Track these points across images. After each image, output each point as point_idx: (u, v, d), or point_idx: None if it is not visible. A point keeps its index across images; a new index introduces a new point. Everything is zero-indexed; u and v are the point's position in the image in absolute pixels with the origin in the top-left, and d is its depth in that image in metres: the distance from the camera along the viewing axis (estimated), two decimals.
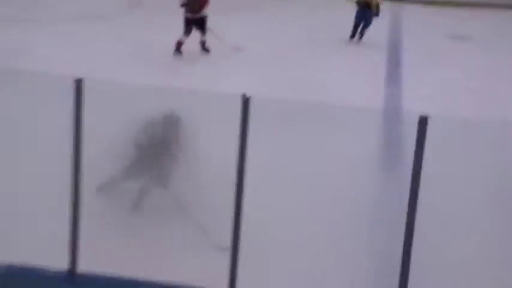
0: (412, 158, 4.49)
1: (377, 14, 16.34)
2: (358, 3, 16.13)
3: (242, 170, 4.67)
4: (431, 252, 6.22)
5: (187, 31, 14.00)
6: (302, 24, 17.07)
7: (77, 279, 4.87)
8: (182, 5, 13.94)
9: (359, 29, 16.23)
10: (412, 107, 10.24)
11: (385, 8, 16.49)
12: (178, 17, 14.02)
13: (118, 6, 15.88)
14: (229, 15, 15.69)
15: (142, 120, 7.37)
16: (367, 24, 16.22)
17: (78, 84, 4.70)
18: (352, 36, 16.40)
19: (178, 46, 14.06)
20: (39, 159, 7.65)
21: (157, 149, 7.46)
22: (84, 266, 4.88)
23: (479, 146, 8.65)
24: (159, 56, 13.93)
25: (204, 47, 14.29)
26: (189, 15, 13.95)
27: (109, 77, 9.25)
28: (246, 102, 4.65)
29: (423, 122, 4.47)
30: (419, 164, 4.51)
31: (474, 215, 7.20)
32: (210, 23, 14.06)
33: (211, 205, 6.81)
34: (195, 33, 14.04)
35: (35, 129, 8.19)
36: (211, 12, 14.03)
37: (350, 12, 16.17)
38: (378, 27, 16.78)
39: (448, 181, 7.49)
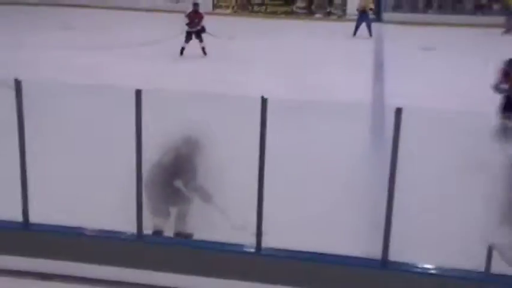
0: (392, 140, 4.47)
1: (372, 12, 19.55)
2: (357, 10, 18.98)
3: (263, 159, 4.65)
4: (407, 206, 6.11)
5: (187, 40, 15.19)
6: (304, 42, 17.27)
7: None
8: (187, 24, 15.19)
9: (366, 30, 18.56)
10: (393, 101, 10.12)
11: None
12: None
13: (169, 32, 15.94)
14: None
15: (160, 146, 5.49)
16: (369, 24, 18.69)
17: (138, 94, 4.69)
18: (354, 34, 18.72)
19: (182, 51, 15.19)
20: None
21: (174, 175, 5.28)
22: None
23: (445, 130, 8.56)
24: (199, 68, 14.06)
25: (204, 51, 15.29)
26: (190, 29, 15.18)
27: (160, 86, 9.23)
28: (264, 102, 4.62)
29: (398, 112, 4.44)
30: (397, 144, 4.48)
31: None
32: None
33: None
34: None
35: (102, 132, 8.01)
36: None
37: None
38: (365, 42, 16.80)
39: (419, 157, 7.37)
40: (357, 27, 18.80)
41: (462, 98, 11.02)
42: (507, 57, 8.83)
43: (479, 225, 4.81)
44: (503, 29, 19.36)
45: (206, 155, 5.24)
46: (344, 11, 23.10)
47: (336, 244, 5.06)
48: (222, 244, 4.85)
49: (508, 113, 9.12)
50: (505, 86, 8.96)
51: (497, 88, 9.11)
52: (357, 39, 18.53)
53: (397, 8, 22.08)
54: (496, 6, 20.78)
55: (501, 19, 19.67)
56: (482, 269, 4.58)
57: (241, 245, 4.84)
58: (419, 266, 4.78)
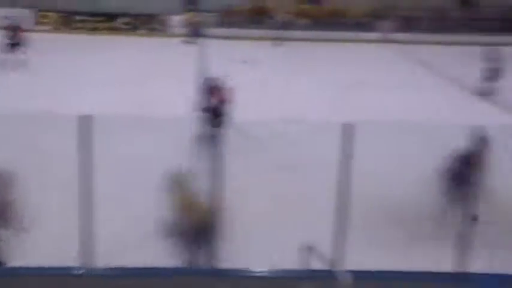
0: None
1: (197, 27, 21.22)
2: (185, 25, 21.24)
3: (88, 177, 4.45)
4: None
5: (5, 52, 15.06)
6: (128, 58, 17.07)
7: None
8: (5, 37, 15.35)
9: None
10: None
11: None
12: None
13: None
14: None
15: None
16: (194, 37, 20.45)
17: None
18: (184, 43, 20.48)
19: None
20: None
21: None
22: None
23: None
24: (19, 83, 13.20)
25: (22, 64, 14.75)
26: (8, 42, 15.35)
27: None
28: (87, 119, 4.45)
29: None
30: (221, 153, 4.54)
31: None
32: None
33: None
34: None
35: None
36: None
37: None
38: (189, 56, 17.01)
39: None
40: (186, 40, 20.65)
41: (279, 103, 11.65)
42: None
43: None
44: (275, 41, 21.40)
45: (19, 188, 4.90)
46: (167, 26, 23.13)
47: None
48: (46, 268, 4.56)
49: (214, 123, 9.73)
50: (209, 103, 9.47)
51: (202, 107, 9.67)
52: (181, 55, 18.64)
53: (221, 23, 22.61)
54: (301, 23, 22.47)
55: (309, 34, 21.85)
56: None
57: (68, 268, 4.60)
58: (247, 270, 4.87)
